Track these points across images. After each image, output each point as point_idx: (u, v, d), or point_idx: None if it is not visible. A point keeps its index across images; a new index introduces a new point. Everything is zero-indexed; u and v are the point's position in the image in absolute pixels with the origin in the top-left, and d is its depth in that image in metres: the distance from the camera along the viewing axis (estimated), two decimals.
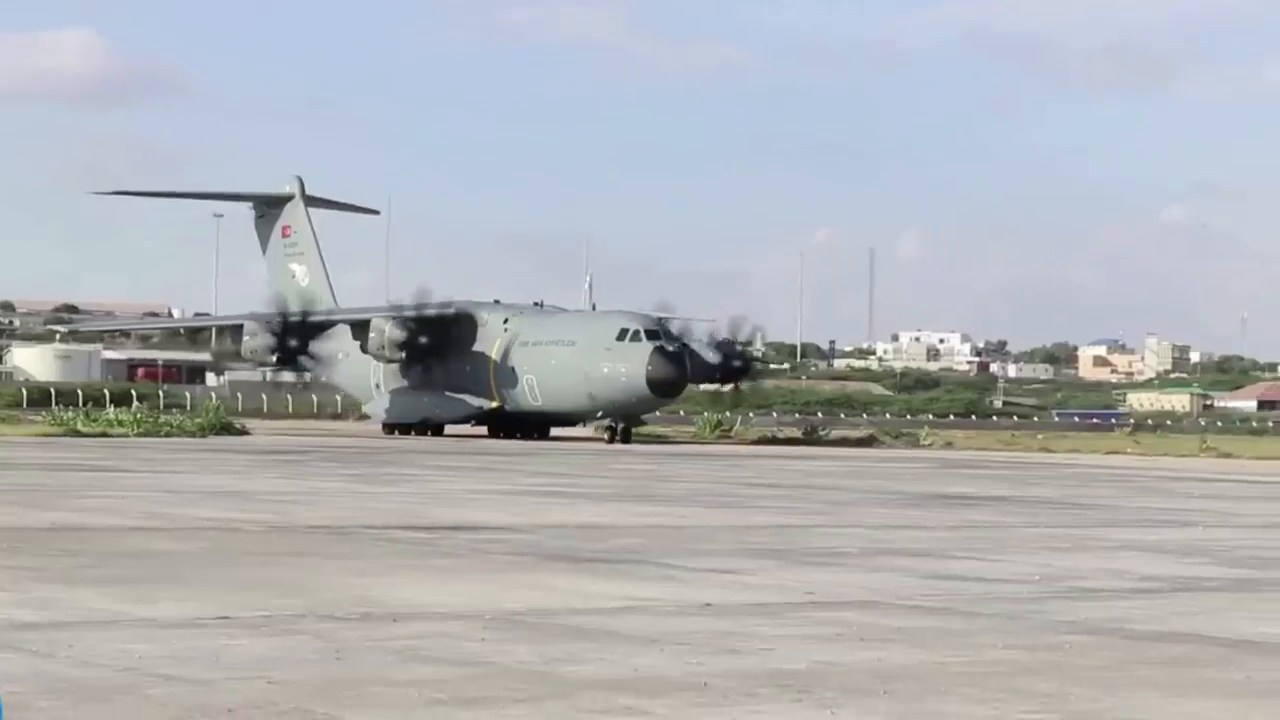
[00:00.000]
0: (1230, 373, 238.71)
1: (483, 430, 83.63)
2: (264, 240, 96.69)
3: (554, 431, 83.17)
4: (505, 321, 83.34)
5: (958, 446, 79.74)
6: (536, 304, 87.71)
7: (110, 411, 74.67)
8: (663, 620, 13.83)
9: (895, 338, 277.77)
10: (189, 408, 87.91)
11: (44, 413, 76.49)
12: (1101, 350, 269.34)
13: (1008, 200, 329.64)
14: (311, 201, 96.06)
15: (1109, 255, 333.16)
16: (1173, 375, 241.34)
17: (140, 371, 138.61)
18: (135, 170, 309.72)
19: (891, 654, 12.23)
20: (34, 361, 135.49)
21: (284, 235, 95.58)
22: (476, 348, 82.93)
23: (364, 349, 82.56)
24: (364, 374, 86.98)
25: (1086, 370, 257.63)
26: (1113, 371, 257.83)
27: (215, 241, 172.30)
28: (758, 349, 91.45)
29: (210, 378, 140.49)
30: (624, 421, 78.35)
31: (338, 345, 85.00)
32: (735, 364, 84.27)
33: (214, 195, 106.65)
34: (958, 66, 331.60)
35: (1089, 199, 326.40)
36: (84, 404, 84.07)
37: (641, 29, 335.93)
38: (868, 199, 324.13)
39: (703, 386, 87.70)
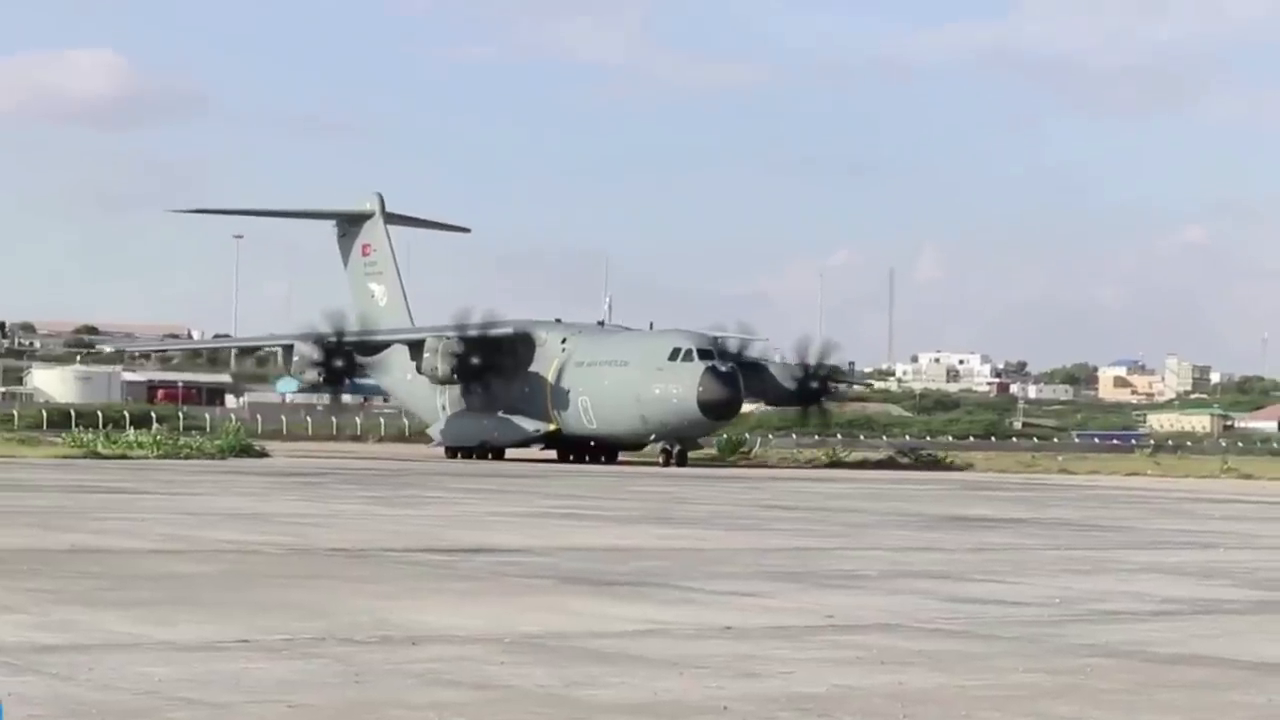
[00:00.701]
0: (1251, 393, 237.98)
1: (549, 454, 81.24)
2: (345, 259, 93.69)
3: (621, 455, 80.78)
4: (563, 341, 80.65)
5: (978, 468, 79.59)
6: (600, 323, 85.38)
7: (130, 433, 74.86)
8: (682, 643, 13.81)
9: (915, 359, 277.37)
10: (209, 429, 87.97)
11: (64, 434, 76.58)
12: (1121, 371, 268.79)
13: (1027, 220, 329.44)
14: (392, 219, 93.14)
15: (1129, 275, 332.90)
16: (1193, 396, 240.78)
17: (160, 393, 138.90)
18: (157, 190, 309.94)
19: (912, 677, 12.21)
20: (54, 383, 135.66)
21: (364, 254, 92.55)
22: (533, 368, 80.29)
23: (419, 370, 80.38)
24: (429, 395, 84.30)
25: (1106, 391, 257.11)
26: (1133, 392, 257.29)
27: (235, 262, 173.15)
28: (837, 366, 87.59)
29: (230, 400, 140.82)
30: (680, 444, 75.52)
31: (403, 366, 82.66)
32: (813, 385, 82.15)
33: (294, 213, 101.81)
34: (976, 86, 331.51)
35: (1108, 219, 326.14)
36: (104, 426, 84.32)
37: (658, 47, 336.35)
38: (887, 219, 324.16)
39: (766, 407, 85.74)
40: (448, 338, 79.47)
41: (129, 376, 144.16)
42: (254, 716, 10.14)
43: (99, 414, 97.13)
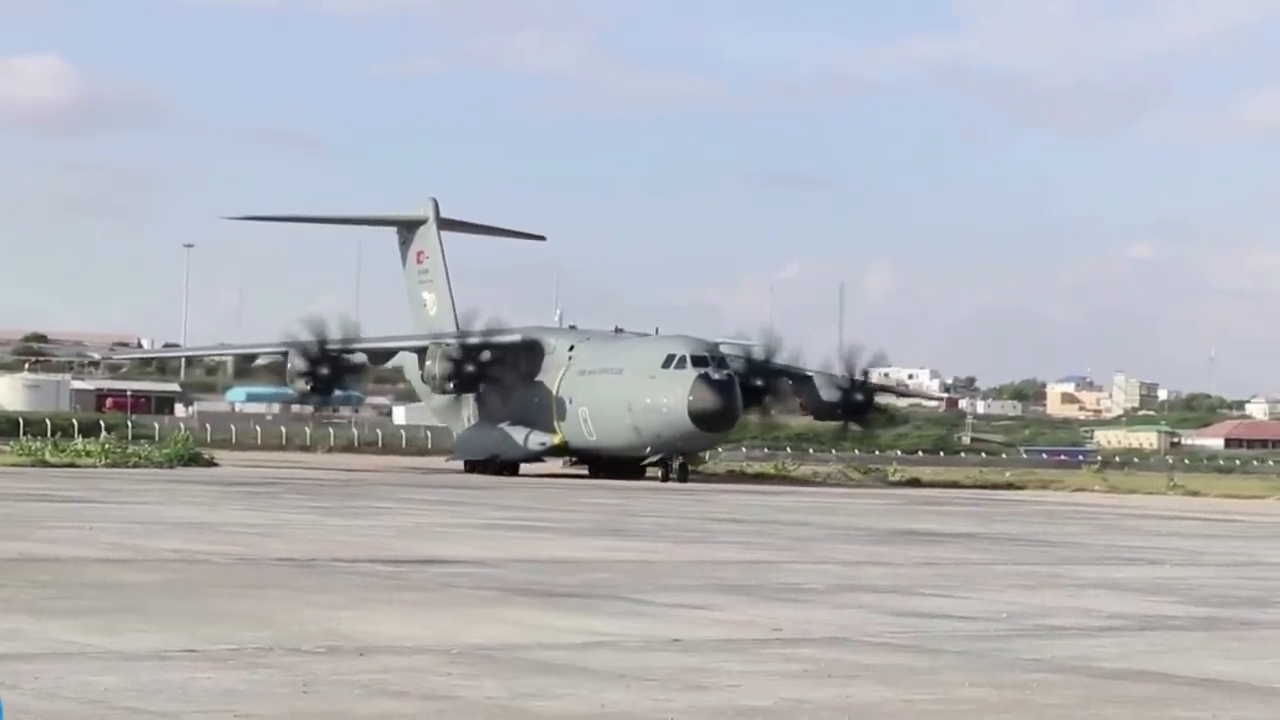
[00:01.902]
0: (1198, 410, 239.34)
1: (580, 470, 77.48)
2: (405, 266, 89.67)
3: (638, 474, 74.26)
4: (570, 349, 76.33)
5: (926, 482, 79.76)
6: (618, 329, 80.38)
7: (78, 442, 74.51)
8: (630, 655, 13.83)
9: (865, 373, 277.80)
10: (157, 438, 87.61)
11: (12, 443, 76.18)
12: (1070, 387, 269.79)
13: (977, 236, 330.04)
14: (447, 225, 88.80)
15: (1077, 291, 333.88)
16: (1140, 413, 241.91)
17: (109, 402, 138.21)
18: (105, 198, 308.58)
19: (859, 691, 12.25)
20: (2, 391, 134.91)
21: (418, 262, 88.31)
22: (541, 377, 76.33)
23: (422, 379, 77.41)
24: (454, 406, 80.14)
25: (1055, 407, 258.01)
26: (1081, 409, 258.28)
27: (185, 271, 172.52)
28: (883, 378, 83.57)
29: (179, 409, 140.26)
30: (680, 458, 70.77)
31: (418, 376, 79.34)
32: (857, 398, 78.65)
33: (350, 220, 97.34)
34: (927, 101, 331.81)
35: (1058, 235, 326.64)
36: (52, 434, 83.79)
37: (608, 60, 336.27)
38: (838, 233, 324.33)
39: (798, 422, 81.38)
40: (447, 344, 75.96)
41: (77, 385, 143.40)
42: None
43: (47, 422, 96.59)
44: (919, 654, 14.59)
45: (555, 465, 79.40)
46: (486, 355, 75.63)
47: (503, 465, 75.78)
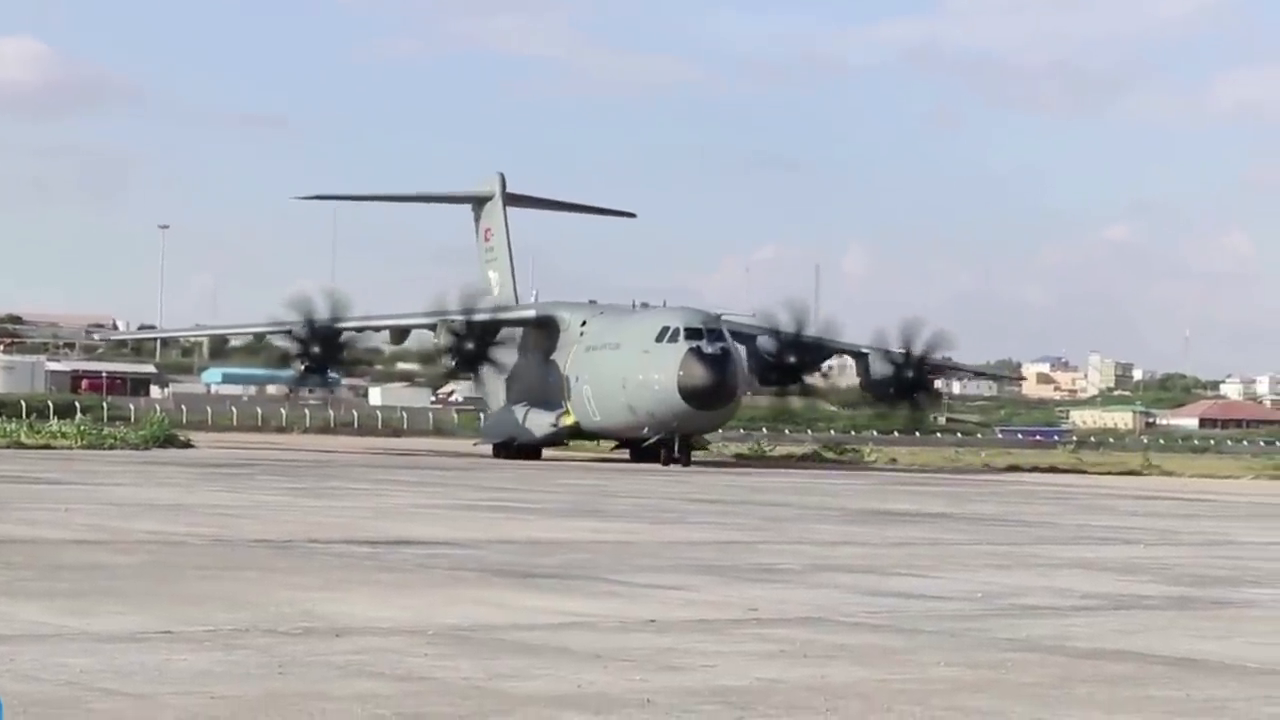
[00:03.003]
0: (1173, 390, 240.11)
1: (622, 454, 73.57)
2: (478, 246, 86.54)
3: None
4: (583, 324, 72.22)
5: (901, 463, 79.82)
6: (643, 304, 74.63)
7: (54, 423, 74.47)
8: (606, 636, 13.85)
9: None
10: (133, 420, 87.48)
11: None
12: (1045, 368, 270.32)
13: (953, 217, 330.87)
14: (514, 200, 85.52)
15: (1053, 272, 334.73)
16: (1116, 393, 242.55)
17: (84, 383, 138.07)
18: (81, 180, 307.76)
19: (834, 671, 12.28)
20: None
21: (486, 240, 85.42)
22: (555, 355, 72.51)
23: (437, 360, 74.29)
24: (483, 387, 77.48)
25: (1030, 388, 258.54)
26: (1056, 389, 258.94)
27: (161, 253, 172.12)
28: (942, 358, 78.22)
29: (155, 390, 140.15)
30: (679, 437, 66.39)
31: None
32: (908, 375, 73.77)
33: (419, 197, 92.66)
34: (904, 83, 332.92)
35: (1033, 216, 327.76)
36: (27, 415, 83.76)
37: (585, 43, 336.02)
38: (814, 215, 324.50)
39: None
40: (452, 321, 71.77)
41: (53, 366, 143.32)
42: (176, 707, 10.12)
43: (22, 404, 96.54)
44: (894, 634, 14.62)
45: (595, 448, 75.62)
46: (492, 333, 72.45)
47: (521, 449, 72.44)
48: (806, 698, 11.10)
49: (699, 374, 65.40)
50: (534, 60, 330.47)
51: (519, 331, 75.01)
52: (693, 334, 66.47)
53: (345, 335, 74.12)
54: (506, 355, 74.01)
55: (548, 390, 72.38)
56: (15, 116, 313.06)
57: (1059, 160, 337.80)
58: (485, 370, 74.15)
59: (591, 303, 75.87)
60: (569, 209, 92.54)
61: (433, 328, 73.23)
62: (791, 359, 73.59)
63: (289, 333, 73.58)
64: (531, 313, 74.61)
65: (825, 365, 78.32)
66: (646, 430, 68.17)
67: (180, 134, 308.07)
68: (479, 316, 72.56)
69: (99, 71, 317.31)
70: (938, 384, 79.99)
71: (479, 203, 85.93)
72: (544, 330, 73.83)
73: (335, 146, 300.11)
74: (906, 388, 74.57)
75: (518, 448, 72.31)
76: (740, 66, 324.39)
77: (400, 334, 76.67)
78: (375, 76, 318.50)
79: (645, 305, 74.75)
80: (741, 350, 70.52)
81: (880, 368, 74.22)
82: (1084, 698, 11.51)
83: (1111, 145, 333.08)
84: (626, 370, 67.70)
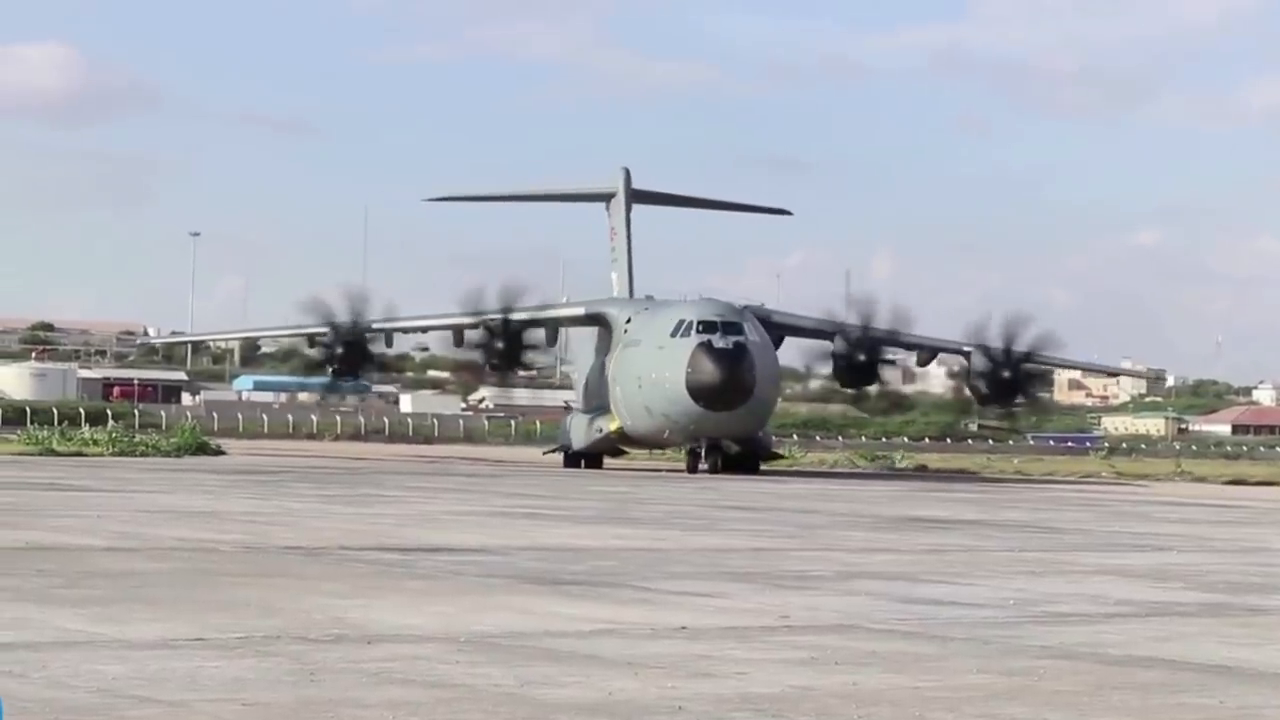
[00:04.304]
0: (1205, 396, 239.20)
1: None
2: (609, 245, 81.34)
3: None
4: (628, 321, 66.96)
5: (932, 469, 79.64)
6: (706, 299, 67.03)
7: (85, 430, 74.64)
8: (638, 643, 13.83)
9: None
10: (164, 427, 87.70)
11: (19, 431, 76.33)
12: (1076, 374, 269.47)
13: (982, 222, 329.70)
14: (640, 197, 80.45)
15: (1082, 278, 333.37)
16: (1147, 399, 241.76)
17: (116, 390, 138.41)
18: (111, 185, 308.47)
19: (866, 678, 12.25)
20: (9, 380, 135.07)
21: (611, 239, 79.87)
22: (607, 357, 67.89)
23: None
24: (578, 390, 72.54)
25: (1061, 394, 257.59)
26: (1088, 395, 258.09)
27: (192, 259, 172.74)
28: (1047, 359, 71.29)
29: (186, 397, 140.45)
30: (710, 443, 61.08)
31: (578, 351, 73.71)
32: (1005, 375, 67.41)
33: (550, 196, 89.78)
34: (930, 87, 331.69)
35: (1063, 221, 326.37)
36: (59, 423, 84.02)
37: (610, 45, 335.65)
38: (842, 221, 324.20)
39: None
40: (490, 320, 67.55)
41: (84, 374, 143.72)
42: (208, 715, 10.12)
43: (54, 411, 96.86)
44: (926, 641, 14.59)
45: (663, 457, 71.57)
46: (529, 333, 68.31)
47: (577, 457, 68.79)
48: (838, 705, 11.07)
49: (707, 370, 60.58)
50: (552, 62, 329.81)
51: (593, 332, 71.29)
52: (707, 327, 61.75)
53: (378, 336, 71.20)
54: (583, 356, 70.73)
55: (602, 395, 68.23)
56: (46, 123, 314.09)
57: (1086, 164, 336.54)
58: (570, 372, 70.92)
59: (649, 298, 71.45)
60: (712, 206, 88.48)
61: (472, 327, 69.07)
62: (861, 358, 69.81)
63: (322, 334, 70.85)
64: (580, 310, 70.90)
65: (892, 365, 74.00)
66: (667, 435, 64.40)
67: (209, 139, 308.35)
68: (519, 315, 68.20)
69: (128, 77, 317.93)
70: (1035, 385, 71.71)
71: (604, 200, 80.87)
72: (592, 328, 70.50)
73: (360, 149, 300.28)
74: (1002, 389, 68.45)
75: (574, 456, 69.11)
76: (765, 70, 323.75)
77: (437, 334, 74.03)
78: (397, 80, 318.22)
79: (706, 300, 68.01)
80: (768, 344, 65.14)
81: (980, 365, 68.42)
82: (1117, 705, 11.46)
83: (1140, 149, 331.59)
84: (643, 368, 63.56)
